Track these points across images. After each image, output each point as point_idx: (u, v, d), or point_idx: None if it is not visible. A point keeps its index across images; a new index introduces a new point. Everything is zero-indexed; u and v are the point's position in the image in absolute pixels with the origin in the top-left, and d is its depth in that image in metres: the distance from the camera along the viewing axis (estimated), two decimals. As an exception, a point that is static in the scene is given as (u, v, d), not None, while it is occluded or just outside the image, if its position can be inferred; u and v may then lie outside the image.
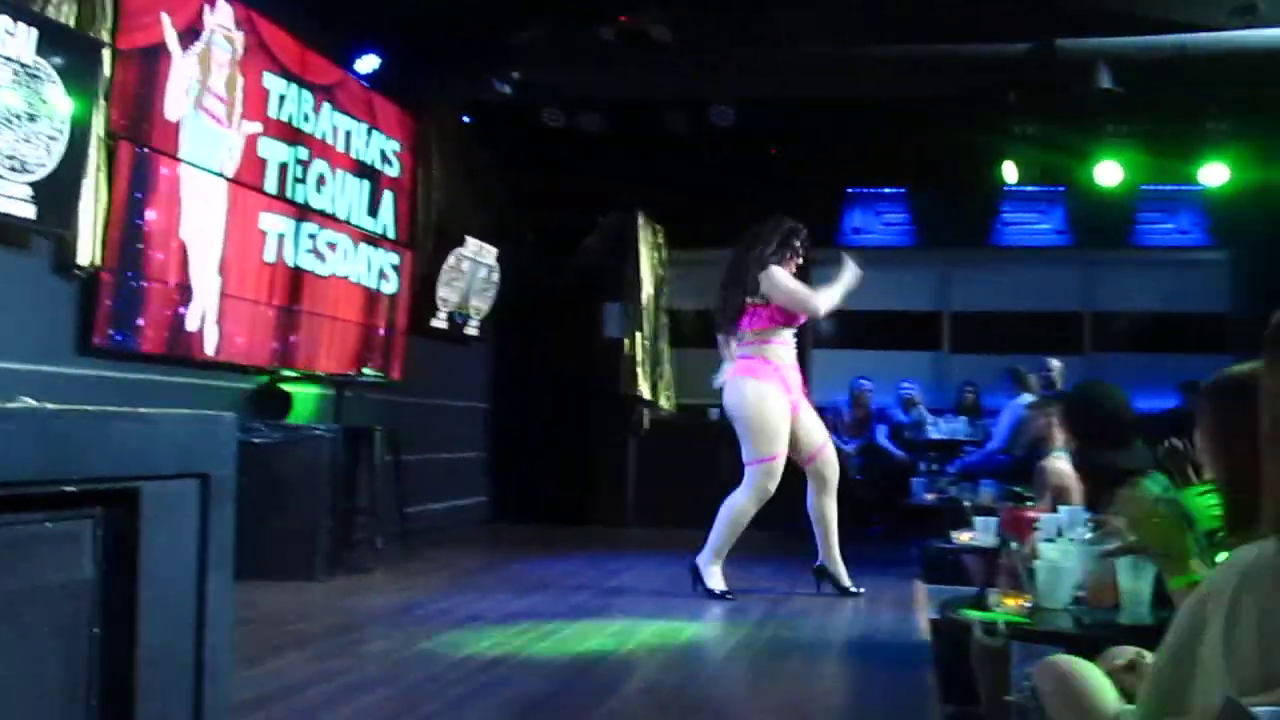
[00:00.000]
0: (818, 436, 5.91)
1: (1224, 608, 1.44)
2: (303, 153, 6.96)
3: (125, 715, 1.27)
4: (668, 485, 9.49)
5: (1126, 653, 2.17)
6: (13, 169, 4.61)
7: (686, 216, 9.66)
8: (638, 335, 9.70)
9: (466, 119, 9.05)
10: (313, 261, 7.09)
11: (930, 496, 7.46)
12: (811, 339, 9.11)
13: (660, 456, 9.76)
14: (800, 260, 5.90)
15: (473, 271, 8.93)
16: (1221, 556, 1.94)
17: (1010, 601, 2.86)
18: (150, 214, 5.63)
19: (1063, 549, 2.95)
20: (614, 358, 9.71)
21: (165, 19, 5.71)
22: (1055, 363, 8.59)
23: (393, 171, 8.07)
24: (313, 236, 7.09)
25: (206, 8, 6.02)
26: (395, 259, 8.10)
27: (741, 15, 7.60)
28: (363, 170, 7.68)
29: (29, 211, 4.72)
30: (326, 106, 7.21)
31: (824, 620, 5.23)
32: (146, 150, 5.61)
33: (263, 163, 6.58)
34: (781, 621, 5.16)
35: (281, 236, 6.76)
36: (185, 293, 5.91)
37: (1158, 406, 7.94)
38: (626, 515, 9.76)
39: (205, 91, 6.04)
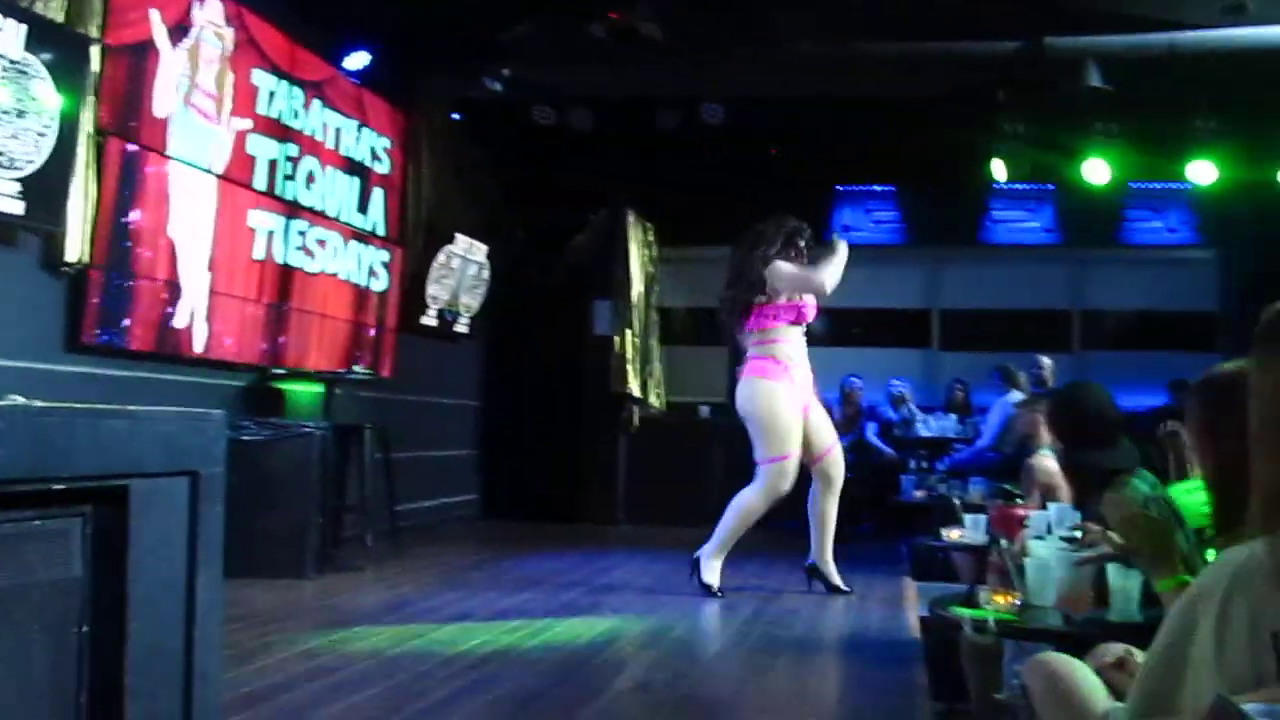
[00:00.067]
0: (827, 437, 5.89)
1: (1215, 608, 1.44)
2: (292, 149, 6.94)
3: (115, 713, 1.26)
4: (658, 483, 9.52)
5: (1115, 650, 2.18)
6: (1, 165, 4.59)
7: (677, 214, 9.67)
8: (628, 333, 9.72)
9: (457, 116, 9.03)
10: (302, 259, 7.07)
11: (920, 494, 7.46)
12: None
13: (650, 454, 9.77)
14: (804, 259, 5.88)
15: (463, 269, 8.93)
16: (1211, 555, 1.95)
17: (1000, 599, 2.87)
18: (139, 211, 5.61)
19: (1052, 546, 2.96)
20: (604, 355, 9.72)
21: (154, 15, 5.68)
22: (1046, 360, 8.60)
23: (383, 168, 8.05)
24: (302, 233, 7.06)
25: (196, 4, 5.99)
26: (385, 256, 8.09)
27: (731, 14, 7.60)
28: (353, 167, 7.66)
29: (17, 208, 4.69)
30: (316, 103, 7.19)
31: (814, 618, 5.23)
32: (135, 147, 5.59)
33: (252, 159, 6.56)
34: (772, 619, 5.16)
35: (271, 233, 6.74)
36: (174, 290, 5.89)
37: (1147, 404, 7.97)
38: (617, 513, 9.76)
39: (194, 88, 6.02)
